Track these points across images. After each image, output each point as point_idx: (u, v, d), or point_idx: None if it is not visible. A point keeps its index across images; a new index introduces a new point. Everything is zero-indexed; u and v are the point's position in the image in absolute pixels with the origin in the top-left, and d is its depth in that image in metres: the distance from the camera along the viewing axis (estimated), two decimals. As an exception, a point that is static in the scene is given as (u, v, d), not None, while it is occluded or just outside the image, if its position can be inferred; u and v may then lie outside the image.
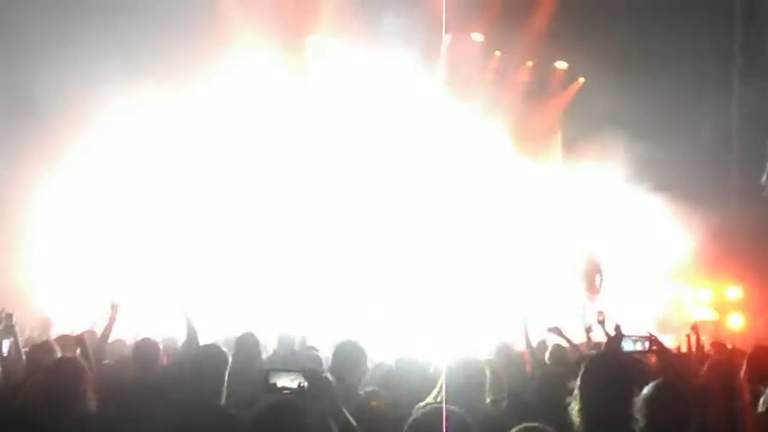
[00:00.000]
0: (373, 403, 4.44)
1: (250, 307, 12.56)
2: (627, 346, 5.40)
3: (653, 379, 4.01)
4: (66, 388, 4.34)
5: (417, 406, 4.44)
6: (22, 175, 14.45)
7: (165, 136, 15.45)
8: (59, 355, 6.47)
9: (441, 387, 4.37)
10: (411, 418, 3.04)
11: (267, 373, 3.81)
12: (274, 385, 3.74)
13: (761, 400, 4.59)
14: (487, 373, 4.60)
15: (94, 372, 5.02)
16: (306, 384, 3.71)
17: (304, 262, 15.22)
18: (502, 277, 15.33)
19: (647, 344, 5.36)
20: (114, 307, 6.47)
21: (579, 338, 7.98)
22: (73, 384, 4.36)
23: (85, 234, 15.38)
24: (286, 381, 3.74)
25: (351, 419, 3.65)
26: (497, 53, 18.41)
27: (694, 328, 7.89)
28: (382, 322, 11.34)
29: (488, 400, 4.56)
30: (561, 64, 18.37)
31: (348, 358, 4.58)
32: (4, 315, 6.46)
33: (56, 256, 15.05)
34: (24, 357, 6.44)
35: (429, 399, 4.45)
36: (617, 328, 6.42)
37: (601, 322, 6.82)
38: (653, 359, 5.73)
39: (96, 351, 6.04)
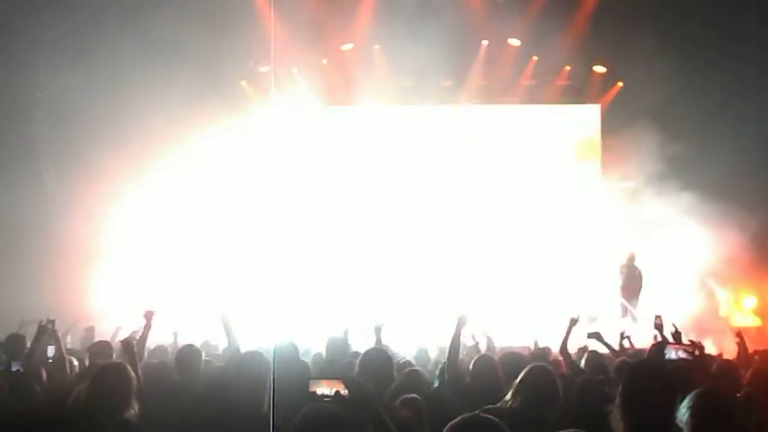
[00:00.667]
0: (403, 414, 4.43)
1: (290, 312, 12.68)
2: (669, 354, 5.32)
3: (695, 388, 3.97)
4: (111, 394, 4.36)
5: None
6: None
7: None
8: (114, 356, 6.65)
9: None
10: (449, 425, 3.04)
11: (308, 382, 3.84)
12: (315, 393, 3.77)
13: None
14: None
15: (140, 379, 5.06)
16: (346, 392, 3.72)
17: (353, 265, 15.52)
18: (544, 281, 15.35)
19: (689, 353, 5.28)
20: (148, 315, 6.53)
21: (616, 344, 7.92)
22: (118, 390, 4.39)
23: (125, 241, 15.75)
24: (327, 389, 3.76)
25: (392, 427, 3.66)
26: (534, 58, 18.34)
27: (739, 335, 7.76)
28: (427, 326, 11.33)
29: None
30: (599, 68, 18.22)
31: (374, 365, 4.59)
32: (46, 321, 6.61)
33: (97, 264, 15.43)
34: (75, 361, 6.59)
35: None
36: (675, 333, 6.35)
37: (659, 326, 6.71)
38: (696, 367, 5.63)
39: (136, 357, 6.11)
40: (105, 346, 7.33)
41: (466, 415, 3.09)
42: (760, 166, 16.63)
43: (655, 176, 15.58)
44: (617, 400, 3.72)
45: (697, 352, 5.51)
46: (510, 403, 4.40)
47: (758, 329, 16.04)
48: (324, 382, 3.80)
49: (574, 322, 7.19)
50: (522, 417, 3.41)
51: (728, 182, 15.49)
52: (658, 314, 7.14)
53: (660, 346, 6.06)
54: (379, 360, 4.70)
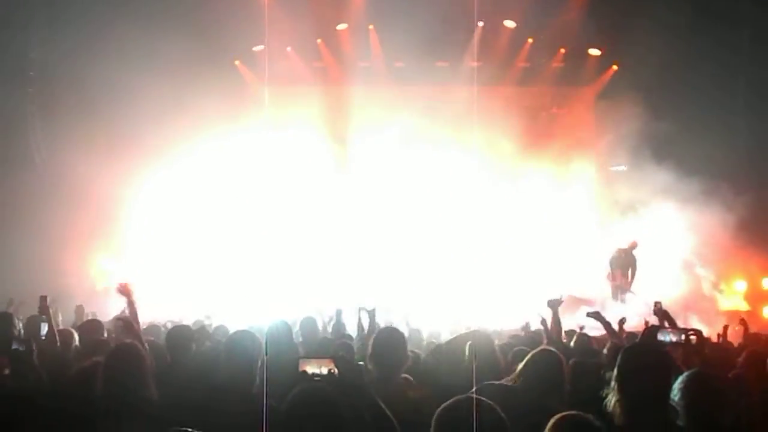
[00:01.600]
0: (410, 393, 4.42)
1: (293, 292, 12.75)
2: (663, 337, 5.31)
3: (689, 369, 3.98)
4: (128, 373, 4.32)
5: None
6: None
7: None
8: (105, 335, 6.57)
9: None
10: (440, 408, 3.02)
11: (298, 361, 3.81)
12: (305, 372, 3.74)
13: None
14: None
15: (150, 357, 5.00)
16: (336, 371, 3.70)
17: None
18: (537, 264, 15.40)
19: (683, 336, 5.27)
20: (124, 289, 6.15)
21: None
22: (134, 370, 4.35)
23: (118, 222, 15.75)
24: (317, 368, 3.74)
25: (383, 407, 3.64)
26: (529, 40, 18.27)
27: (743, 322, 7.74)
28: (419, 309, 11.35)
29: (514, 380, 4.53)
30: (594, 51, 18.16)
31: (389, 344, 4.56)
32: (39, 297, 6.57)
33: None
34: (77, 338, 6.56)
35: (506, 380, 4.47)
36: (664, 315, 6.33)
37: (658, 311, 6.69)
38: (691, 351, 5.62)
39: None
40: (97, 324, 7.30)
41: (462, 396, 3.08)
42: (753, 149, 16.67)
43: (647, 159, 15.58)
44: (613, 383, 3.72)
45: (693, 337, 5.48)
46: (513, 381, 4.42)
47: (748, 313, 16.12)
48: (314, 361, 3.78)
49: (558, 303, 7.16)
50: (524, 397, 3.41)
51: (722, 164, 15.54)
52: (657, 300, 7.11)
53: (653, 329, 6.04)
54: (395, 340, 4.68)
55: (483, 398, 3.09)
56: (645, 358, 3.80)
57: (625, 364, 3.73)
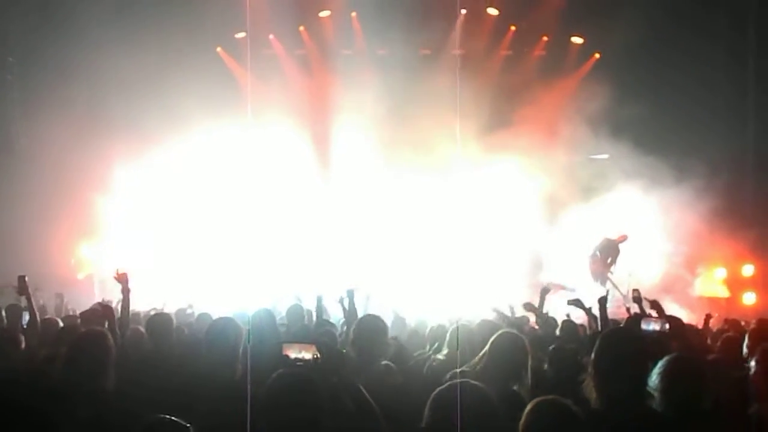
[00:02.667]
0: (389, 379, 4.44)
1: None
2: (646, 326, 5.36)
3: (667, 354, 4.02)
4: (89, 362, 4.29)
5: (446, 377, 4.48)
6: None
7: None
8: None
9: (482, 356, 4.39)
10: (434, 392, 3.05)
11: (280, 346, 3.82)
12: (287, 356, 3.75)
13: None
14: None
15: (120, 345, 4.99)
16: (319, 356, 3.71)
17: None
18: (516, 251, 15.47)
19: (666, 324, 5.32)
20: (122, 278, 6.11)
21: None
22: (96, 358, 4.31)
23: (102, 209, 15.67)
24: (300, 353, 3.75)
25: (365, 393, 3.66)
26: (512, 28, 18.28)
27: (708, 317, 7.85)
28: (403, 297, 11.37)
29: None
30: (577, 39, 18.19)
31: (370, 331, 4.58)
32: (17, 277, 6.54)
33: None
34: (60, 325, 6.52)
35: (466, 367, 4.48)
36: (641, 302, 6.38)
37: (637, 299, 6.74)
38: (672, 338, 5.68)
39: (120, 324, 6.06)
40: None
41: (454, 381, 3.11)
42: (735, 136, 16.81)
43: (628, 146, 15.65)
44: (590, 368, 3.75)
45: (667, 326, 5.53)
46: (476, 366, 4.44)
47: (728, 300, 16.31)
48: (296, 346, 3.78)
49: (546, 290, 7.22)
50: (487, 383, 3.43)
51: (703, 151, 15.65)
52: (635, 288, 7.17)
53: (636, 317, 6.10)
54: (376, 327, 4.69)
55: (475, 383, 3.12)
56: (621, 343, 3.83)
57: (601, 350, 3.77)
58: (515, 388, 4.29)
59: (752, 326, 5.68)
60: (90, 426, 3.69)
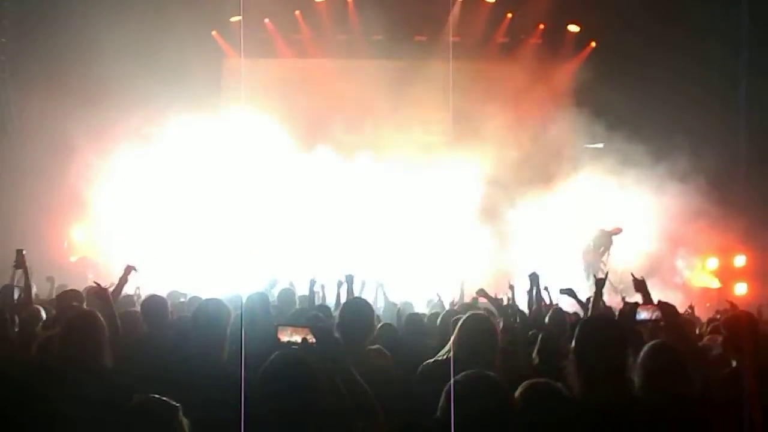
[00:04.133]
0: (377, 362, 4.47)
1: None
2: (641, 315, 5.38)
3: (649, 341, 4.05)
4: (84, 341, 4.32)
5: (425, 363, 4.50)
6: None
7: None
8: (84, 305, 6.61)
9: (451, 346, 4.40)
10: (455, 381, 3.08)
11: (275, 328, 3.84)
12: (280, 340, 3.77)
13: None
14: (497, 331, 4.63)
15: (118, 327, 5.04)
16: (314, 340, 3.73)
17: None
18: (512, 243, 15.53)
19: (659, 313, 5.33)
20: (128, 270, 6.51)
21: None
22: (91, 338, 4.35)
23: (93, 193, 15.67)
24: (294, 336, 3.77)
25: (359, 378, 3.68)
26: (509, 15, 18.25)
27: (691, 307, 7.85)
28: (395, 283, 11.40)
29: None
30: (573, 27, 18.17)
31: (356, 315, 4.59)
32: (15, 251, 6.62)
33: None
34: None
35: (439, 355, 4.49)
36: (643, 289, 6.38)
37: (640, 287, 6.72)
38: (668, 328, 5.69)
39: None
40: (75, 294, 7.27)
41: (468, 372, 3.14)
42: (731, 126, 16.82)
43: (623, 136, 15.67)
44: (570, 355, 3.79)
45: (659, 315, 5.54)
46: (445, 355, 4.44)
47: (719, 290, 16.40)
48: (291, 329, 3.80)
49: (536, 278, 7.24)
50: (461, 368, 3.46)
51: (698, 141, 15.67)
52: (639, 277, 7.17)
53: (631, 306, 6.11)
54: (361, 309, 4.71)
55: (488, 374, 3.15)
56: (600, 330, 3.86)
57: (581, 337, 3.79)
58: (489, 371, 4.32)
59: (725, 316, 5.71)
60: (92, 403, 3.71)
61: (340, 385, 3.59)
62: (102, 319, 4.52)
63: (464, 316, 4.61)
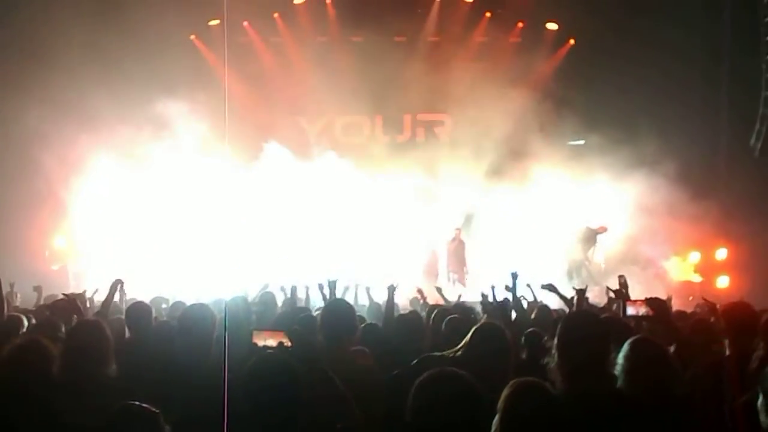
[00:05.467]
0: (361, 363, 4.47)
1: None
2: (631, 311, 5.41)
3: (630, 336, 4.07)
4: (89, 351, 4.27)
5: (413, 362, 4.49)
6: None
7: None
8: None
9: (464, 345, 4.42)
10: (417, 383, 3.06)
11: (251, 333, 3.83)
12: (256, 344, 3.77)
13: (753, 357, 4.61)
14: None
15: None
16: (289, 343, 3.72)
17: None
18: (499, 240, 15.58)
19: (648, 309, 5.35)
20: (116, 284, 6.51)
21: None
22: (97, 347, 4.30)
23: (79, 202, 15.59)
24: (270, 340, 3.76)
25: (336, 380, 3.68)
26: (487, 14, 18.30)
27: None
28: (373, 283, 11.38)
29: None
30: (552, 25, 18.25)
31: (337, 316, 4.58)
32: None
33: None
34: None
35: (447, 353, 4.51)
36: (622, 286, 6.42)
37: (623, 285, 6.77)
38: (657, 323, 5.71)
39: (100, 317, 6.07)
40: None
41: (434, 371, 3.12)
42: (709, 120, 16.95)
43: (603, 132, 15.74)
44: (553, 351, 3.80)
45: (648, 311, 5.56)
46: (454, 353, 4.45)
47: (701, 284, 16.51)
48: (265, 333, 3.79)
49: (515, 276, 7.26)
50: (467, 369, 3.46)
51: (676, 140, 15.79)
52: (621, 274, 7.22)
53: (622, 302, 6.14)
54: (342, 311, 4.71)
55: (455, 370, 3.13)
56: (583, 326, 3.88)
57: (563, 332, 3.81)
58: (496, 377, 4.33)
59: (722, 307, 5.73)
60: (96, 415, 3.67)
61: (318, 387, 3.58)
62: (106, 328, 4.48)
63: (479, 324, 4.66)
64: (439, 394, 3.00)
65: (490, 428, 3.08)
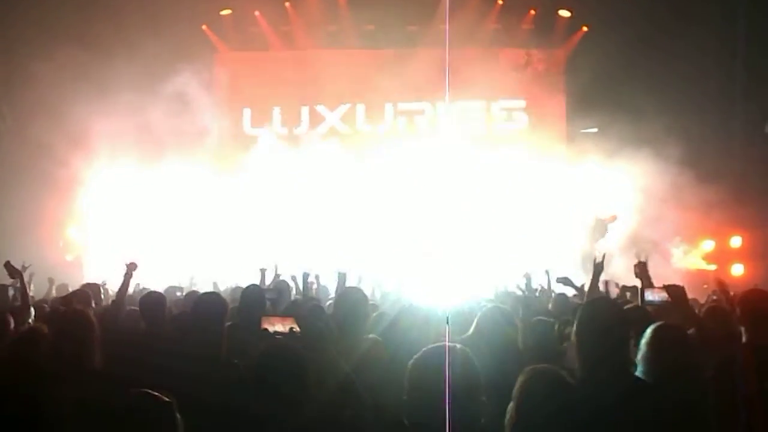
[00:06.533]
0: (374, 351, 4.47)
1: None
2: (649, 296, 5.38)
3: (649, 324, 4.05)
4: (74, 342, 4.26)
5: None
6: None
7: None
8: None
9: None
10: (411, 360, 3.03)
11: (260, 319, 3.83)
12: (266, 330, 3.76)
13: None
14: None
15: (115, 326, 5.01)
16: (297, 329, 3.72)
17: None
18: (512, 231, 15.53)
19: (666, 295, 5.32)
20: (131, 267, 6.47)
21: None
22: (78, 337, 4.29)
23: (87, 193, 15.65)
24: (279, 326, 3.76)
25: (345, 367, 3.67)
26: (499, 1, 18.20)
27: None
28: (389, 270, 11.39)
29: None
30: (564, 12, 18.12)
31: (350, 304, 4.58)
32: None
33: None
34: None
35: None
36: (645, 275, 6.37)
37: (642, 270, 6.69)
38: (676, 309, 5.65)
39: (116, 306, 6.12)
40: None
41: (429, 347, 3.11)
42: (722, 113, 16.83)
43: (616, 120, 15.63)
44: (572, 338, 3.79)
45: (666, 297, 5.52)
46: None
47: (715, 272, 16.42)
48: (275, 319, 3.79)
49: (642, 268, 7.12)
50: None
51: (689, 127, 15.67)
52: (638, 262, 7.16)
53: (641, 289, 6.12)
54: (355, 299, 4.70)
55: (456, 345, 3.10)
56: (601, 312, 3.86)
57: (581, 319, 3.80)
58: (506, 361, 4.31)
59: (738, 295, 5.68)
60: (75, 407, 3.69)
61: (326, 373, 3.58)
62: (92, 318, 4.48)
63: (485, 309, 4.69)
64: (430, 368, 2.96)
65: (486, 399, 3.03)
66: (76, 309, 4.70)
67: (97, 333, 4.41)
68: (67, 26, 14.42)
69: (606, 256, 7.01)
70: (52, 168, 14.82)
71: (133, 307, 6.85)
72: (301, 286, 7.76)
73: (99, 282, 8.60)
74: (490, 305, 4.79)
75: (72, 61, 14.32)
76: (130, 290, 8.56)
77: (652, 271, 6.22)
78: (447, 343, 2.99)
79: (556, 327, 5.43)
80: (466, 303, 6.38)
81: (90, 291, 7.09)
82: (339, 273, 7.27)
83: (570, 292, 7.92)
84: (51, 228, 15.92)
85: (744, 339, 4.91)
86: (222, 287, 9.75)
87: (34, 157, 14.82)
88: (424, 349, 3.05)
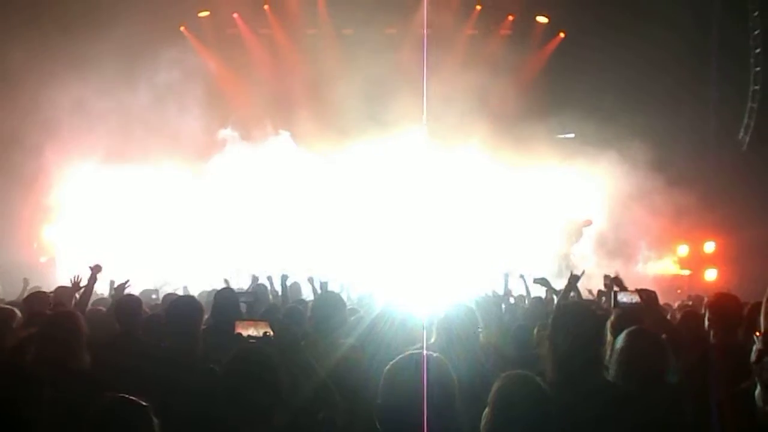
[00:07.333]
0: (351, 356, 4.47)
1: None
2: (622, 299, 5.44)
3: (625, 327, 4.08)
4: (62, 342, 4.24)
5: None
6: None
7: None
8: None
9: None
10: (388, 365, 3.04)
11: (233, 323, 3.83)
12: (240, 334, 3.77)
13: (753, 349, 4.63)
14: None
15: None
16: (271, 333, 3.72)
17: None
18: (487, 234, 15.55)
19: (638, 298, 5.38)
20: (96, 269, 6.47)
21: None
22: (69, 338, 4.27)
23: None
24: (252, 330, 3.76)
25: (318, 370, 3.68)
26: (478, 7, 18.28)
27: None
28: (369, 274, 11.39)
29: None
30: (542, 18, 18.24)
31: (327, 308, 4.59)
32: None
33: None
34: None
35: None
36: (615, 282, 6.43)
37: (615, 279, 6.74)
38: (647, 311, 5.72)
39: (79, 306, 6.06)
40: (43, 296, 7.16)
41: (407, 353, 3.11)
42: (695, 119, 16.99)
43: (594, 126, 15.73)
44: (545, 342, 3.81)
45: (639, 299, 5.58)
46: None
47: (690, 277, 16.60)
48: (249, 323, 3.80)
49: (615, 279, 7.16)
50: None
51: (664, 132, 15.81)
52: (607, 274, 7.21)
53: (615, 292, 6.16)
54: (332, 303, 4.71)
55: (433, 353, 3.11)
56: (575, 317, 3.88)
57: (556, 323, 3.83)
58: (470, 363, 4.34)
59: (709, 300, 5.77)
60: (54, 408, 3.65)
61: (300, 378, 3.58)
62: (81, 319, 4.46)
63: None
64: (406, 374, 2.97)
65: (460, 406, 3.05)
66: (63, 311, 4.69)
67: (84, 334, 4.39)
68: (39, 15, 14.26)
69: (584, 273, 7.16)
70: (28, 168, 14.66)
71: (99, 307, 6.81)
72: (279, 289, 7.74)
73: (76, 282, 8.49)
74: (453, 308, 4.78)
75: (45, 58, 14.20)
76: (105, 292, 8.52)
77: (624, 275, 6.28)
78: (424, 351, 3.00)
79: (535, 331, 5.47)
80: (442, 307, 6.40)
81: (62, 294, 6.97)
82: (321, 282, 7.28)
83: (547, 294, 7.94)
84: (25, 228, 15.74)
85: (713, 341, 5.01)
86: (192, 291, 9.67)
87: (9, 156, 14.64)
88: (400, 356, 3.06)
